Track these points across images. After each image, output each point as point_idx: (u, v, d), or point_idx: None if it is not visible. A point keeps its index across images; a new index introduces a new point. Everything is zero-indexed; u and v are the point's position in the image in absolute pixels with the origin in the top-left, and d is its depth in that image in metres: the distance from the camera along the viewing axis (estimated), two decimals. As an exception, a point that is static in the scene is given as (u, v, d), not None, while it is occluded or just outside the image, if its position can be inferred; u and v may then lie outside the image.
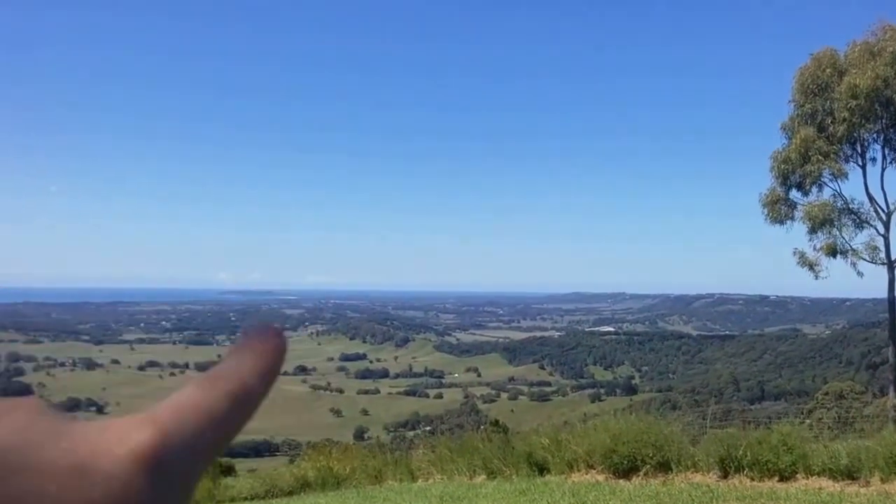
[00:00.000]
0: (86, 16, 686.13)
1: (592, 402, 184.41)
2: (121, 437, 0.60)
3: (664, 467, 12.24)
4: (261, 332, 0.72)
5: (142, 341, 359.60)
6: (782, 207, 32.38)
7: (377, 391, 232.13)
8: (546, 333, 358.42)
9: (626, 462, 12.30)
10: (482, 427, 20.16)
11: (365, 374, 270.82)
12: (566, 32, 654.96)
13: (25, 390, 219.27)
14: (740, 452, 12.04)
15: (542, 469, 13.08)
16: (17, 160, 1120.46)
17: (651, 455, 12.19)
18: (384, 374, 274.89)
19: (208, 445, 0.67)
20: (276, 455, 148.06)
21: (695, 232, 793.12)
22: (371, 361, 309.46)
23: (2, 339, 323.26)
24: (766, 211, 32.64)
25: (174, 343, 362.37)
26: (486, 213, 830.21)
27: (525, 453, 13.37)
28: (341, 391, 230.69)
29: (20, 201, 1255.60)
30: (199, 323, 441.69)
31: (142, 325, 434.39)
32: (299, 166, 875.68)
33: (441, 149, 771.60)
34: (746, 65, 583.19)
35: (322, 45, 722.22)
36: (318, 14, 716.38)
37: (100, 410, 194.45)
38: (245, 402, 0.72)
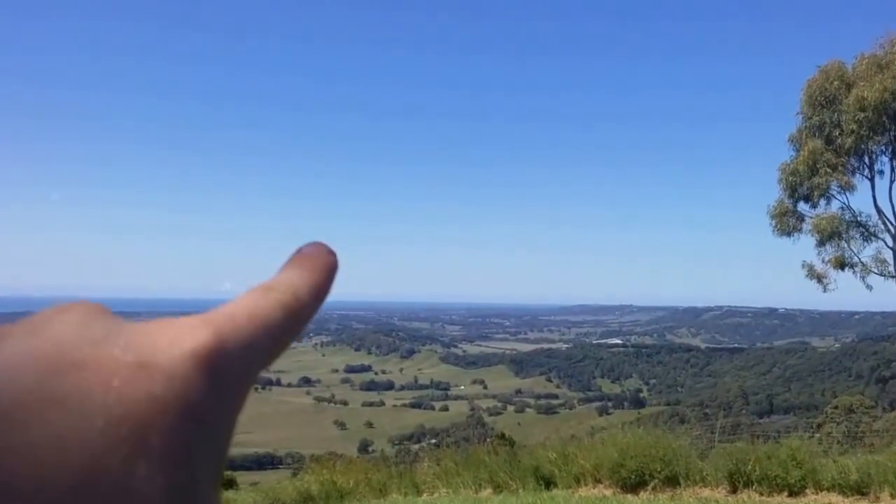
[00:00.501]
0: (89, 22, 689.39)
1: (600, 415, 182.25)
2: (179, 337, 0.60)
3: (672, 482, 12.13)
4: (314, 249, 0.74)
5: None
6: (790, 220, 32.27)
7: (382, 403, 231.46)
8: (553, 345, 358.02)
9: (633, 476, 12.17)
10: (488, 440, 18.71)
11: (370, 386, 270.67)
12: (581, 45, 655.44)
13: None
14: (749, 467, 11.89)
15: (548, 483, 12.93)
16: (19, 168, 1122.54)
17: (659, 469, 12.07)
18: (389, 385, 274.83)
19: (261, 352, 0.64)
20: (278, 468, 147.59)
21: (703, 244, 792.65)
22: (376, 373, 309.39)
23: None
24: (774, 223, 32.54)
25: None
26: (493, 224, 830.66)
27: (532, 467, 13.23)
28: (345, 403, 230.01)
29: (21, 209, 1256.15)
30: None
31: None
32: (304, 175, 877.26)
33: (447, 158, 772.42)
34: (755, 77, 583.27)
35: (327, 53, 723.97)
36: (328, 23, 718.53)
37: None
38: (297, 314, 0.68)
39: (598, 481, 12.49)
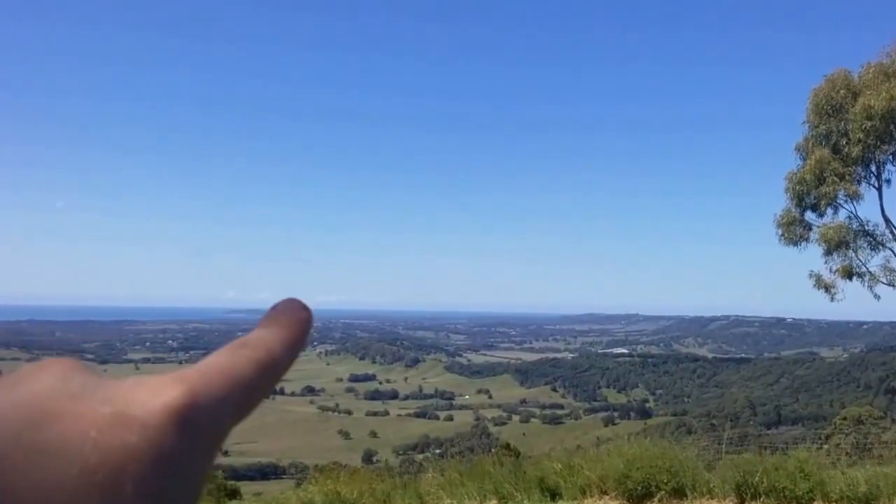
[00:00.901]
0: (94, 30, 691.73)
1: (606, 425, 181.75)
2: (154, 392, 0.63)
3: (679, 493, 12.06)
4: (287, 306, 0.78)
5: (147, 361, 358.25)
6: (797, 229, 32.17)
7: (386, 413, 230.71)
8: (559, 355, 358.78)
9: (640, 488, 12.08)
10: (493, 450, 19.35)
11: (374, 396, 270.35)
12: (590, 54, 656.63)
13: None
14: (757, 479, 11.83)
15: (554, 494, 12.85)
16: (23, 175, 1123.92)
17: (666, 481, 12.00)
18: (394, 395, 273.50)
19: (234, 407, 0.70)
20: (282, 478, 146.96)
21: (710, 253, 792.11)
22: (380, 382, 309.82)
23: (4, 358, 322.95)
24: (781, 232, 32.45)
25: (181, 363, 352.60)
26: (498, 233, 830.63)
27: (537, 478, 13.11)
28: (350, 413, 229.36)
29: (25, 217, 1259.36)
30: (206, 342, 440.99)
31: (147, 344, 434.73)
32: (308, 184, 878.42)
33: (452, 167, 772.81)
34: (761, 86, 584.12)
35: (334, 63, 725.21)
36: (334, 33, 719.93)
37: None
38: (270, 370, 0.75)
39: (603, 493, 12.41)
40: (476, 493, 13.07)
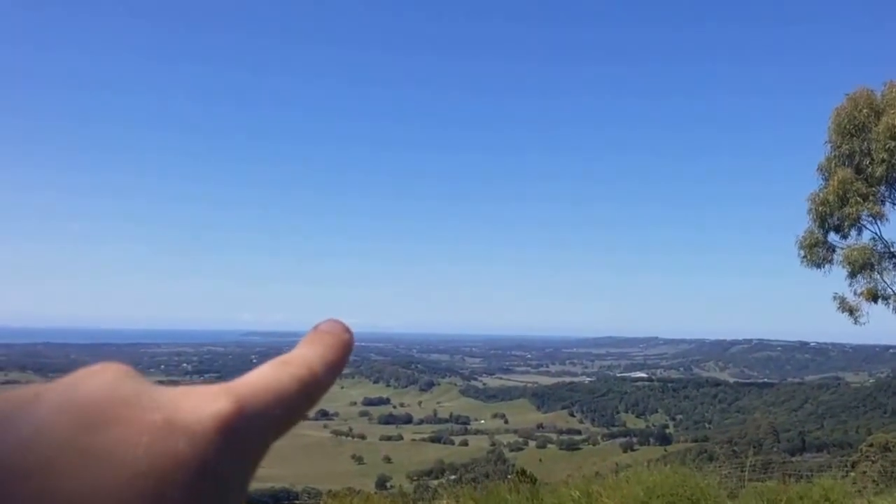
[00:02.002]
0: (108, 58, 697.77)
1: (624, 451, 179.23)
2: (202, 401, 0.68)
3: None
4: (330, 327, 0.78)
5: (162, 384, 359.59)
6: (820, 251, 31.58)
7: (400, 437, 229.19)
8: (576, 379, 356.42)
9: None
10: (509, 477, 19.20)
11: (388, 420, 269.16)
12: (610, 82, 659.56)
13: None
14: None
15: None
16: (38, 199, 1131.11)
17: None
18: (408, 419, 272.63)
19: (276, 422, 0.73)
20: (294, 503, 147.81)
21: (731, 275, 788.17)
22: (395, 406, 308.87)
23: (20, 381, 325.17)
24: (803, 254, 31.90)
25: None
26: (513, 254, 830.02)
27: None
28: (363, 437, 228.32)
29: (40, 241, 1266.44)
30: (220, 365, 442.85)
31: (162, 367, 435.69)
32: (321, 206, 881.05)
33: (466, 190, 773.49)
34: (780, 107, 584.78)
35: (349, 90, 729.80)
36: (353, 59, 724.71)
37: None
38: (311, 389, 0.76)
39: None
40: (492, 521, 12.79)
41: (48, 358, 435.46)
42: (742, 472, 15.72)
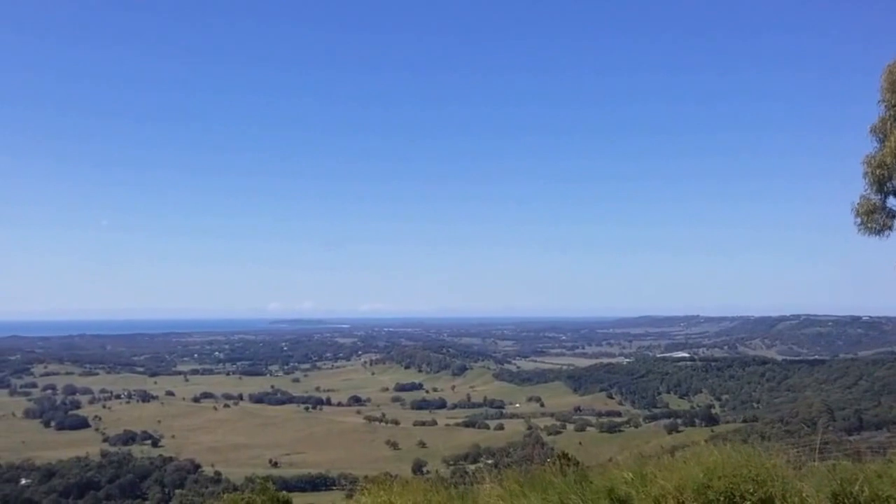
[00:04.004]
0: (146, 58, 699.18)
1: (669, 433, 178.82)
2: None
3: (767, 503, 10.96)
4: None
5: (195, 372, 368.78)
6: (879, 217, 27.58)
7: (434, 422, 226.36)
8: (613, 360, 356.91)
9: (722, 498, 11.04)
10: (548, 460, 17.09)
11: (421, 405, 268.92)
12: (652, 59, 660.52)
13: (82, 424, 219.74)
14: (857, 487, 10.90)
15: None
16: (70, 194, 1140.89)
17: (752, 490, 10.89)
18: (441, 404, 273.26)
19: None
20: (332, 489, 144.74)
21: (776, 248, 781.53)
22: (427, 391, 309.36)
23: (58, 372, 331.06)
24: (860, 221, 27.69)
25: (227, 374, 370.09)
26: (543, 235, 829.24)
27: (605, 488, 12.05)
28: (397, 423, 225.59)
29: (73, 235, 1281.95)
30: (251, 353, 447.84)
31: (195, 355, 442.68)
32: (351, 194, 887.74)
33: (496, 172, 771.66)
34: (826, 82, 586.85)
35: (379, 80, 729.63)
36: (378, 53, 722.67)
37: (155, 444, 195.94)
38: None
39: (680, 503, 11.42)
40: (539, 505, 12.47)
41: (84, 349, 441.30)
42: (811, 451, 14.12)
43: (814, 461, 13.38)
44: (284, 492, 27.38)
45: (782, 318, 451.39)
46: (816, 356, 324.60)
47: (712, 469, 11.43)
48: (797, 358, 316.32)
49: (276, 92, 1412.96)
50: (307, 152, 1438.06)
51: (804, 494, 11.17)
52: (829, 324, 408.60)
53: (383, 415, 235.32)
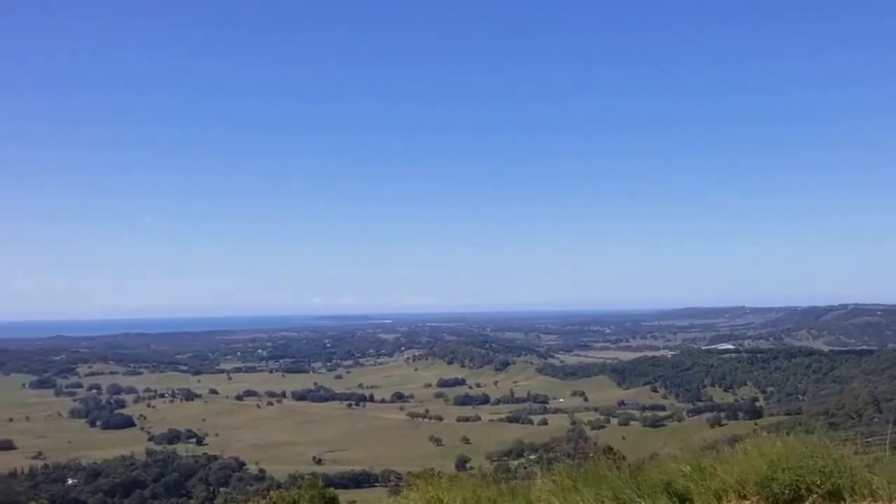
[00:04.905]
0: (189, 62, 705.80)
1: (712, 426, 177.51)
2: None
3: (835, 496, 10.69)
4: None
5: (239, 370, 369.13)
6: None
7: (478, 418, 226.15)
8: (658, 353, 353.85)
9: (787, 491, 10.78)
10: (591, 454, 18.40)
11: (464, 400, 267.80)
12: (696, 52, 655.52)
13: (127, 423, 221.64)
14: None
15: (683, 500, 11.51)
16: (111, 192, 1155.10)
17: (819, 483, 10.63)
18: (484, 399, 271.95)
19: None
20: (374, 486, 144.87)
21: (824, 236, 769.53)
22: (470, 387, 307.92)
23: (103, 372, 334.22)
24: None
25: (271, 371, 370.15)
26: (586, 225, 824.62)
27: (662, 482, 11.70)
28: (440, 419, 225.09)
29: (116, 235, 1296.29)
30: (294, 350, 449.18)
31: (238, 353, 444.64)
32: (389, 191, 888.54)
33: (535, 167, 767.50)
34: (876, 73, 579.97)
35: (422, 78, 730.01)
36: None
37: (199, 442, 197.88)
38: None
39: (742, 497, 11.28)
40: (592, 500, 12.05)
41: (128, 348, 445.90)
42: (853, 443, 12.93)
43: (873, 453, 13.00)
44: (329, 488, 27.55)
45: (830, 308, 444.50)
46: (864, 346, 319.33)
47: (776, 461, 11.24)
48: (844, 349, 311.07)
49: (316, 92, 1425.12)
50: (349, 151, 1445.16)
51: (874, 486, 10.84)
52: (879, 313, 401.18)
53: (426, 411, 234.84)
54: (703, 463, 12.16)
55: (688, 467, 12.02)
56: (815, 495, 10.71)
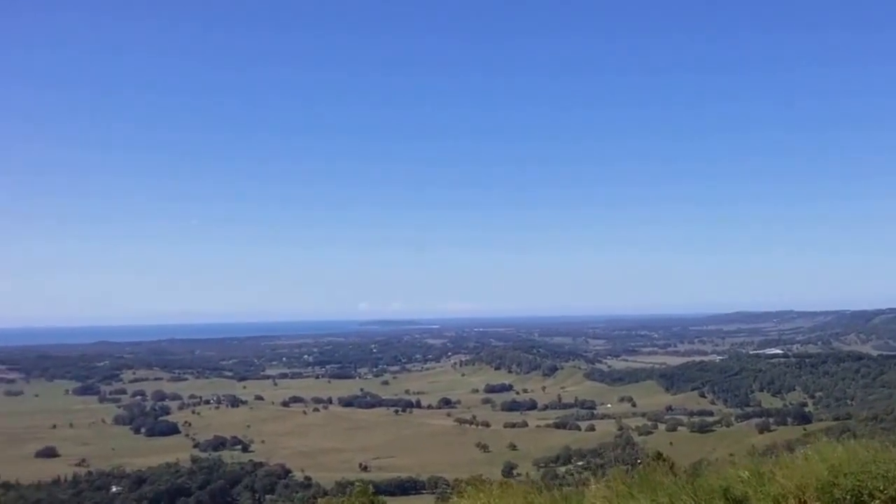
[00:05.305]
0: (239, 71, 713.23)
1: (760, 432, 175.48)
2: None
3: None
4: None
5: (284, 376, 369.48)
6: None
7: (525, 424, 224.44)
8: (706, 358, 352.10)
9: (848, 497, 10.66)
10: (637, 461, 16.96)
11: (511, 406, 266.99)
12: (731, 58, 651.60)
13: (172, 429, 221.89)
14: None
15: None
16: (158, 198, 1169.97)
17: (881, 488, 10.50)
18: (532, 405, 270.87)
19: None
20: (421, 493, 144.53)
21: (873, 238, 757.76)
22: (517, 392, 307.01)
23: (147, 378, 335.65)
24: None
25: (317, 377, 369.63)
26: (633, 229, 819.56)
27: (720, 488, 11.60)
28: (487, 425, 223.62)
29: (162, 242, 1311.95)
30: (341, 356, 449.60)
31: (284, 359, 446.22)
32: (432, 197, 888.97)
33: (581, 173, 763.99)
34: None
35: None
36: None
37: (244, 449, 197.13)
38: None
39: (802, 503, 11.08)
40: (648, 507, 12.15)
41: (173, 354, 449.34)
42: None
43: None
44: (377, 495, 26.62)
45: (878, 312, 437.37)
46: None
47: (837, 466, 11.20)
48: (893, 353, 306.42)
49: (370, 97, 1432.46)
50: (397, 157, 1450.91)
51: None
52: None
53: (473, 417, 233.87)
54: (761, 468, 12.07)
55: (746, 473, 11.97)
56: (877, 500, 10.61)
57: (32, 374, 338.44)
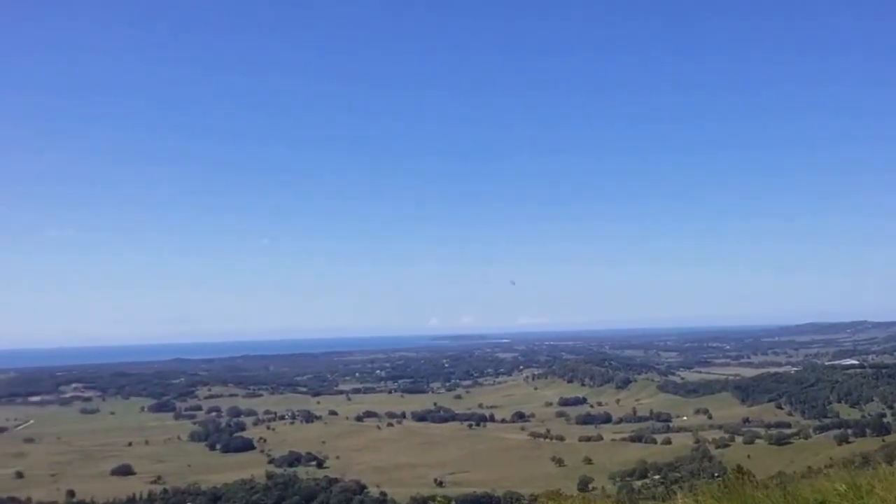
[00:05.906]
0: (305, 84, 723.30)
1: (839, 443, 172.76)
2: None
3: None
4: None
5: (357, 391, 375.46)
6: None
7: (600, 437, 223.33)
8: (781, 369, 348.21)
9: None
10: (716, 475, 23.15)
11: (586, 420, 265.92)
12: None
13: (247, 446, 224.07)
14: None
15: None
16: (230, 218, 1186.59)
17: None
18: (606, 418, 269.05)
19: None
20: None
21: None
22: (591, 405, 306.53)
23: (222, 394, 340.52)
24: None
25: (390, 392, 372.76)
26: (704, 240, 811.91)
27: (816, 502, 11.45)
28: (562, 438, 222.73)
29: (234, 257, 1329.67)
30: (413, 370, 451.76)
31: (357, 374, 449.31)
32: (503, 213, 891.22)
33: (646, 187, 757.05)
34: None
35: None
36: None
37: (319, 464, 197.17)
38: None
39: None
40: (741, 521, 12.03)
41: (248, 371, 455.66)
42: None
43: None
44: None
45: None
46: None
47: None
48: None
49: (434, 116, 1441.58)
50: (466, 174, 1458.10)
51: None
52: None
53: (548, 431, 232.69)
54: (858, 480, 11.74)
55: (843, 485, 11.63)
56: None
57: (108, 392, 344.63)
